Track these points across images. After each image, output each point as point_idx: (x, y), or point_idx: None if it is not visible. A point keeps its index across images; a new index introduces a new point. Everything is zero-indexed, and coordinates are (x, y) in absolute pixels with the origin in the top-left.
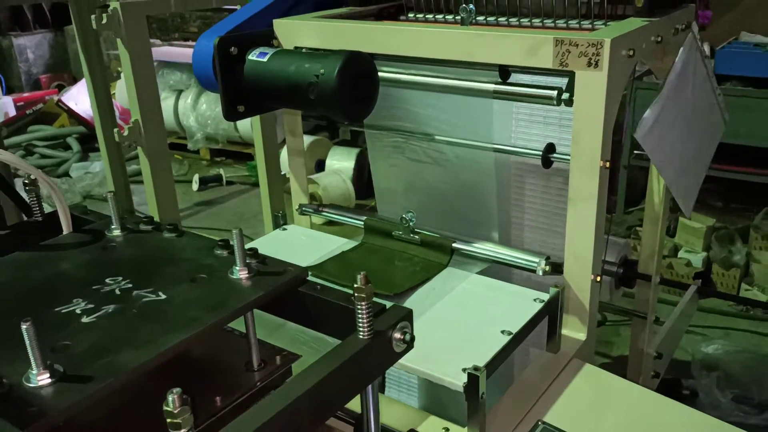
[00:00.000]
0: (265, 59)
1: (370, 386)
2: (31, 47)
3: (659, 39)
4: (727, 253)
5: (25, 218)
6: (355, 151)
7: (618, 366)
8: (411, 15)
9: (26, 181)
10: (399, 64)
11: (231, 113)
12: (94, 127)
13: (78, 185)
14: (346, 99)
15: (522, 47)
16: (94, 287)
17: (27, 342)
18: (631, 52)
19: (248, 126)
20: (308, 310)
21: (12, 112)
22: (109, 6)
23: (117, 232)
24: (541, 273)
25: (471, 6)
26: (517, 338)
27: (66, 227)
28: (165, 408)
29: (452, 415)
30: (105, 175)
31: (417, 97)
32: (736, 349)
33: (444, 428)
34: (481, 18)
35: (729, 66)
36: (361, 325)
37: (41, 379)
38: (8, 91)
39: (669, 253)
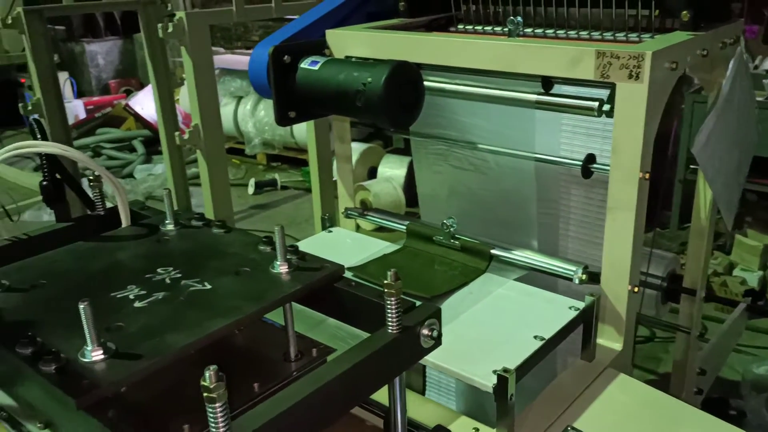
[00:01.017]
0: (316, 67)
1: (397, 379)
2: (102, 53)
3: (705, 53)
4: None
5: (89, 212)
6: (407, 159)
7: (664, 383)
8: (461, 26)
9: (91, 178)
10: (445, 73)
11: (282, 118)
12: (158, 131)
13: (141, 186)
14: (391, 107)
15: (564, 59)
16: (147, 275)
17: (83, 321)
18: (674, 65)
19: (304, 132)
20: (343, 305)
21: (82, 115)
22: (175, 15)
23: (170, 227)
24: (577, 281)
25: (519, 18)
26: (550, 344)
27: (125, 221)
28: (202, 383)
29: (493, 420)
30: (166, 176)
31: (461, 106)
32: None
33: (474, 428)
34: (528, 30)
35: None
36: (390, 319)
37: (95, 355)
38: (79, 95)
39: (724, 270)
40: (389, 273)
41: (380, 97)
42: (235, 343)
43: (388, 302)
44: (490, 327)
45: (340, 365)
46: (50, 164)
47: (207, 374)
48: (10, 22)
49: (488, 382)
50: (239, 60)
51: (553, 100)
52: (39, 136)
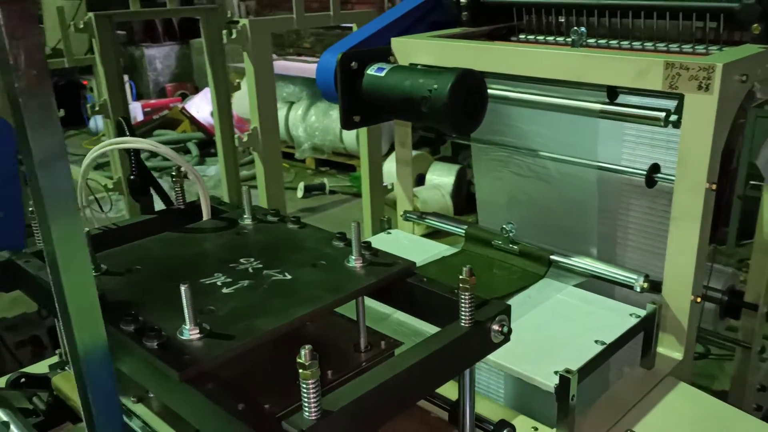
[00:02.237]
0: (382, 74)
1: (467, 371)
2: (160, 58)
3: None
4: None
5: (165, 207)
6: (455, 167)
7: (720, 399)
8: (522, 36)
9: (173, 174)
10: (508, 81)
11: (348, 122)
12: (212, 134)
13: (194, 186)
14: (455, 113)
15: (632, 69)
16: (230, 265)
17: (184, 302)
18: (744, 78)
19: (353, 138)
20: (415, 299)
21: (140, 117)
22: (238, 22)
23: (248, 221)
24: (638, 290)
25: (582, 29)
26: (611, 349)
27: (206, 214)
28: (298, 360)
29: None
30: (219, 178)
31: (523, 113)
32: None
33: (533, 428)
34: (591, 41)
35: None
36: (463, 313)
37: (193, 334)
38: (138, 97)
39: None
40: (464, 269)
41: (445, 103)
42: (309, 333)
43: (462, 297)
44: (550, 330)
45: (415, 355)
46: (137, 161)
47: (303, 352)
48: (81, 26)
49: (550, 382)
50: (291, 66)
51: (619, 110)
52: (128, 133)
